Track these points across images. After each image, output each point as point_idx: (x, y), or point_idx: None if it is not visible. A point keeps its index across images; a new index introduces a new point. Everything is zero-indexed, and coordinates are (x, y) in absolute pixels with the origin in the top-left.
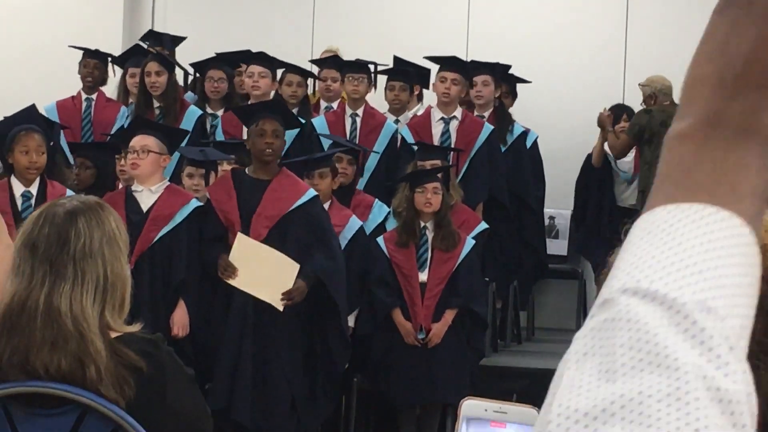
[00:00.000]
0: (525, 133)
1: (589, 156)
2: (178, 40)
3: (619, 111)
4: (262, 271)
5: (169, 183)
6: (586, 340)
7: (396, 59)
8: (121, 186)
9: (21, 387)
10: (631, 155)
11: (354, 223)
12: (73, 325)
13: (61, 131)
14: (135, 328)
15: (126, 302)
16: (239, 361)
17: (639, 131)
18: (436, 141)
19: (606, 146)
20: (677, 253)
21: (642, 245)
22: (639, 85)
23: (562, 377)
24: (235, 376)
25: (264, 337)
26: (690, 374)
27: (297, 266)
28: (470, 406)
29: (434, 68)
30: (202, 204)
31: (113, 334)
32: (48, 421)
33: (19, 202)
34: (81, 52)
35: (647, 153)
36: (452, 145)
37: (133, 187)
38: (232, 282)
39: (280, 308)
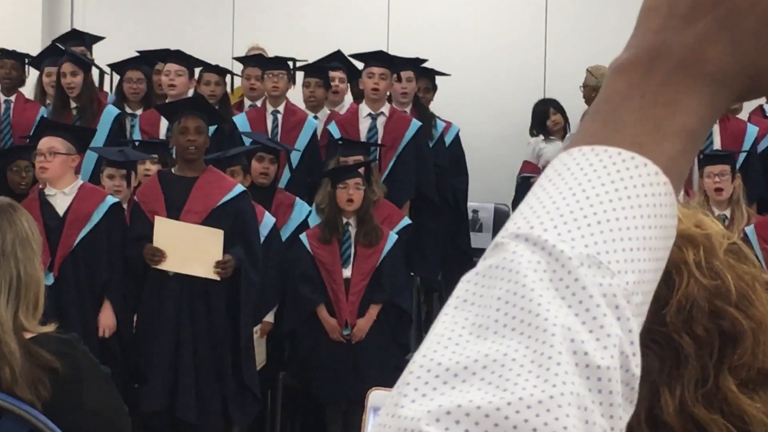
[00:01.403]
0: (446, 127)
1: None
2: (96, 39)
3: (544, 106)
4: (189, 248)
5: (82, 182)
6: (469, 286)
7: (337, 54)
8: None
9: None
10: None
11: (268, 220)
12: None
13: None
14: (49, 328)
15: (40, 303)
16: (179, 359)
17: None
18: (363, 137)
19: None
20: (579, 200)
21: (548, 188)
22: (587, 69)
23: (439, 321)
24: (177, 375)
25: (198, 333)
26: (557, 337)
27: (221, 232)
28: (377, 396)
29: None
30: (118, 200)
31: (27, 335)
32: None
33: None
34: None
35: None
36: (379, 141)
37: (46, 191)
38: (162, 266)
39: (217, 278)
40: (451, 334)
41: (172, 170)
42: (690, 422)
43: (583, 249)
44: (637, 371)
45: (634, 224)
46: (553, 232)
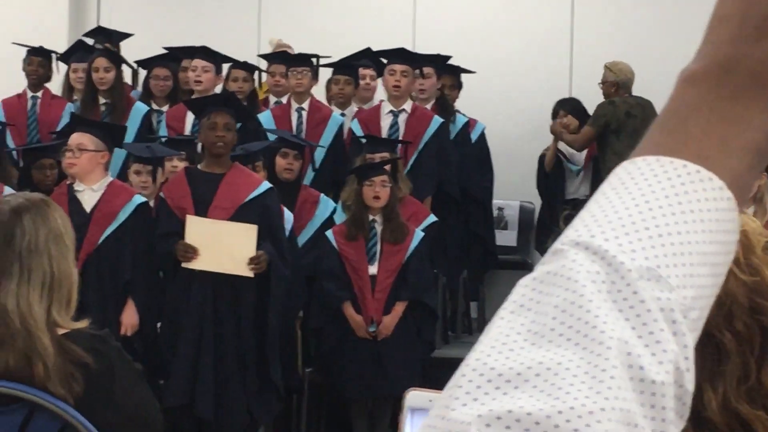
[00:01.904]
0: (469, 124)
1: (542, 158)
2: (124, 36)
3: (557, 107)
4: (222, 245)
5: (111, 179)
6: (526, 291)
7: (366, 51)
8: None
9: None
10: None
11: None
12: (20, 323)
13: (7, 130)
14: (82, 324)
15: (73, 299)
16: (200, 356)
17: (605, 123)
18: (384, 134)
19: (562, 147)
20: (642, 211)
21: (610, 196)
22: (605, 65)
23: (493, 325)
24: (197, 372)
25: (221, 332)
26: (612, 350)
27: (255, 227)
28: (415, 396)
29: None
30: (145, 200)
31: (60, 331)
32: None
33: None
34: (25, 50)
35: (616, 144)
36: (401, 138)
37: (75, 186)
38: (193, 264)
39: (251, 275)
40: (506, 339)
41: (199, 167)
42: (734, 419)
43: (643, 261)
44: (691, 387)
45: (695, 239)
46: (614, 242)
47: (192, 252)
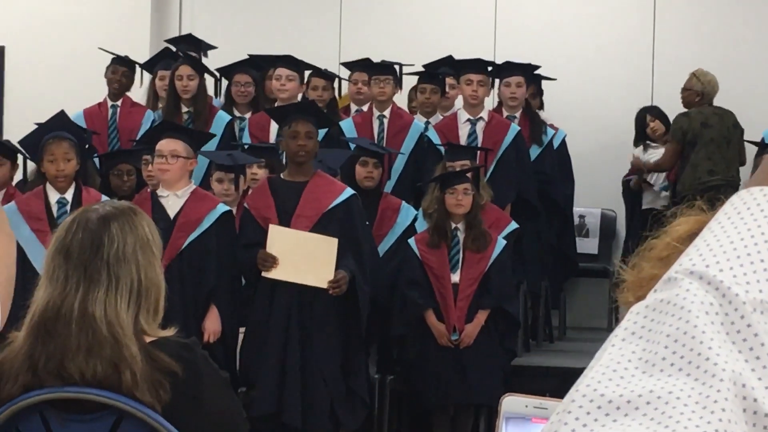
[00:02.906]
0: (553, 132)
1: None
2: (210, 47)
3: (642, 113)
4: (302, 257)
5: (195, 187)
6: (638, 318)
7: (447, 59)
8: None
9: (57, 393)
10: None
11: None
12: (107, 331)
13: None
14: (169, 332)
15: (160, 307)
16: (286, 364)
17: (682, 135)
18: (463, 142)
19: (648, 172)
20: (758, 243)
21: (726, 226)
22: (692, 73)
23: (605, 352)
24: (284, 380)
25: (307, 339)
26: (725, 382)
27: (335, 240)
28: (510, 402)
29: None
30: (229, 209)
31: (148, 339)
32: (84, 427)
33: (54, 209)
34: (106, 58)
35: (692, 155)
36: (479, 146)
37: (158, 192)
38: (273, 274)
39: (326, 287)
40: (617, 366)
41: (281, 176)
42: None
43: (757, 294)
44: None
45: None
46: (729, 273)
47: (272, 261)
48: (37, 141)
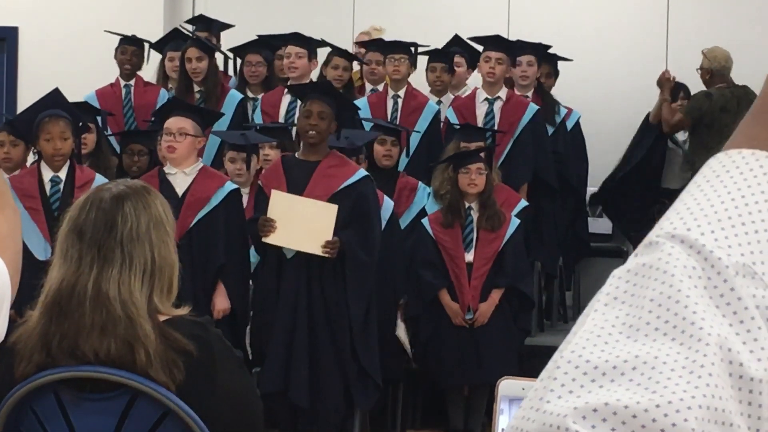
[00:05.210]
0: (567, 113)
1: (641, 128)
2: (225, 26)
3: (676, 90)
4: (301, 222)
5: (203, 165)
6: (621, 282)
7: (455, 39)
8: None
9: (71, 372)
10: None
11: (388, 204)
12: (121, 310)
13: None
14: (183, 311)
15: (174, 286)
16: (294, 343)
17: (699, 115)
18: (480, 121)
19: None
20: (738, 206)
21: (705, 189)
22: (702, 51)
23: (587, 317)
24: (291, 358)
25: (315, 320)
26: (711, 346)
27: (335, 207)
28: (508, 386)
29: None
30: (237, 186)
31: (162, 318)
32: (98, 406)
33: (47, 187)
34: (117, 39)
35: (706, 137)
36: (496, 126)
37: (166, 170)
38: (270, 239)
39: (324, 254)
40: (601, 331)
41: (296, 154)
42: None
43: (739, 258)
44: None
45: None
46: (710, 236)
47: (269, 225)
48: (30, 119)
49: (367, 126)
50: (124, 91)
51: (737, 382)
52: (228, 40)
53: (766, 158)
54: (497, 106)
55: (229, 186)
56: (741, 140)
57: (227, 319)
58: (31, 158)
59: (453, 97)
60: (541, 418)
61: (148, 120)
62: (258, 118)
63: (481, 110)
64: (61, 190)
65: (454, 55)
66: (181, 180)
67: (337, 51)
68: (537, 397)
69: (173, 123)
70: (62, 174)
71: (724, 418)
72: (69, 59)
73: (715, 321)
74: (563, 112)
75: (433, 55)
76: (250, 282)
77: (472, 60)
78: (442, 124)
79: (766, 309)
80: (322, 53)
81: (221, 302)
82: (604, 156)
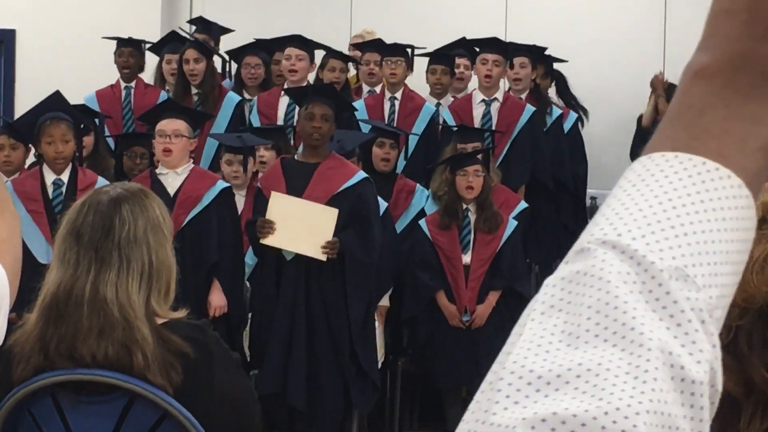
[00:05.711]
0: (562, 115)
1: (639, 120)
2: (225, 31)
3: (672, 91)
4: (301, 225)
5: (194, 165)
6: (555, 291)
7: (462, 41)
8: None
9: (68, 375)
10: None
11: (381, 204)
12: (119, 313)
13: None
14: (181, 314)
15: (171, 289)
16: (292, 344)
17: None
18: (477, 123)
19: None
20: (666, 210)
21: (632, 193)
22: None
23: (524, 327)
24: (289, 360)
25: (313, 321)
26: (653, 351)
27: (335, 211)
28: None
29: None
30: (229, 185)
31: (159, 321)
32: (96, 409)
33: (50, 190)
34: (115, 41)
35: None
36: (493, 127)
37: (157, 171)
38: (268, 241)
39: (323, 258)
40: (541, 341)
41: (295, 156)
42: None
43: (671, 261)
44: (720, 388)
45: (718, 237)
46: (642, 241)
47: (268, 227)
48: (31, 122)
49: (366, 128)
50: (124, 92)
51: (680, 386)
52: (224, 42)
53: (688, 160)
54: (494, 107)
55: (221, 185)
56: (662, 143)
57: (223, 321)
58: (30, 160)
59: (452, 99)
60: (489, 430)
61: (144, 114)
62: (255, 120)
63: (478, 112)
64: (64, 193)
65: (454, 57)
66: (172, 180)
67: (333, 53)
68: (481, 409)
69: (167, 125)
70: (64, 177)
71: (671, 423)
72: (67, 62)
73: (654, 325)
74: (556, 113)
75: (434, 57)
76: (247, 283)
77: (474, 61)
78: (440, 126)
79: (701, 311)
80: (318, 56)
81: (217, 299)
82: (601, 158)
